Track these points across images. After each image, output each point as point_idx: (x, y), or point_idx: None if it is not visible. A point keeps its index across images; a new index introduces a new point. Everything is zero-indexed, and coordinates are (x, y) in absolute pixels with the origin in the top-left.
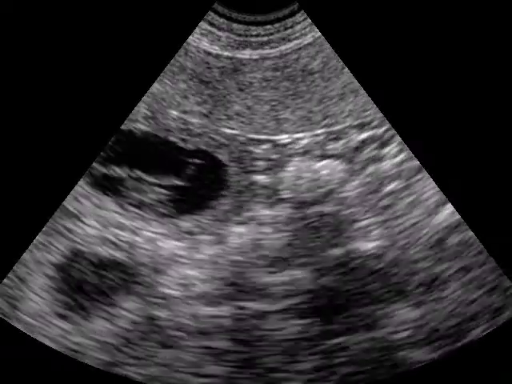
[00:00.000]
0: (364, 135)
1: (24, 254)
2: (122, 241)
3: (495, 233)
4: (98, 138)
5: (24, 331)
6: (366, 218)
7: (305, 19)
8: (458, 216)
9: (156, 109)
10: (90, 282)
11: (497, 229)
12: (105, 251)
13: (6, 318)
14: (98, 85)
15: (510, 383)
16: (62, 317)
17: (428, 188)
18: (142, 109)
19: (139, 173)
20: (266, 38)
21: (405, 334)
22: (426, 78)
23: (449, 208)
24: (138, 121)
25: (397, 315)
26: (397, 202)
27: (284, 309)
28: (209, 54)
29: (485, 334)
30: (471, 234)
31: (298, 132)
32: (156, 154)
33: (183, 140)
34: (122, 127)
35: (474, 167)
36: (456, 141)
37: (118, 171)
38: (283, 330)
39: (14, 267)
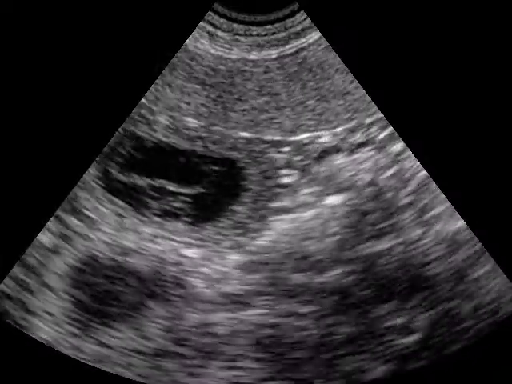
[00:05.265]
0: (388, 130)
1: (41, 261)
2: (144, 250)
3: (496, 233)
4: (97, 139)
5: (42, 341)
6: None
7: (305, 19)
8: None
9: (172, 117)
10: (110, 292)
11: (498, 229)
12: (125, 260)
13: (12, 322)
14: (97, 84)
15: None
16: (80, 329)
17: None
18: (159, 117)
19: (159, 181)
20: (266, 38)
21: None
22: (426, 77)
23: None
24: (155, 129)
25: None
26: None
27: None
28: (211, 55)
29: (485, 333)
30: (472, 234)
31: (317, 130)
32: (174, 162)
33: (201, 147)
34: (142, 136)
35: (474, 167)
36: (457, 140)
37: (138, 180)
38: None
39: (30, 275)
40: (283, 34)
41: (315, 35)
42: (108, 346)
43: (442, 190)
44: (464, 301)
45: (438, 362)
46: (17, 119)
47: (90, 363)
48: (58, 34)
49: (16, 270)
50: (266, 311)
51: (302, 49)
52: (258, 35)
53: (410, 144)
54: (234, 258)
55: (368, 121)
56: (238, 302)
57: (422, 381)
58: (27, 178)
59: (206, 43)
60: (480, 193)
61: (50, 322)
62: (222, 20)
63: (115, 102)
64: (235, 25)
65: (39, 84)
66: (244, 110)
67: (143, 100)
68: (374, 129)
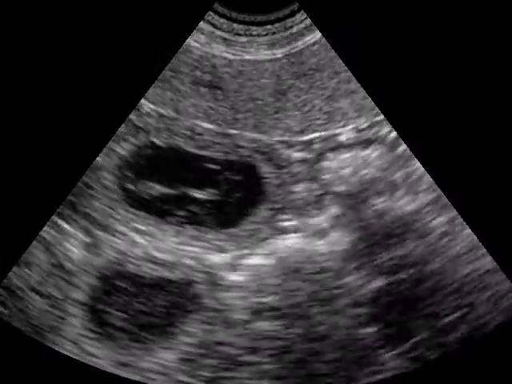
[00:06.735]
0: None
1: (66, 273)
2: (167, 258)
3: (496, 233)
4: (97, 138)
5: (68, 354)
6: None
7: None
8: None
9: (185, 122)
10: (135, 302)
11: (498, 229)
12: (150, 269)
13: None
14: (97, 84)
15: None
16: (107, 339)
17: None
18: (171, 124)
19: (178, 188)
20: (267, 38)
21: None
22: (426, 77)
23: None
24: (171, 137)
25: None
26: None
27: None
28: (213, 56)
29: (485, 333)
30: (473, 236)
31: (325, 130)
32: (191, 169)
33: (216, 151)
34: (159, 143)
35: (474, 167)
36: (456, 140)
37: (156, 188)
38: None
39: (55, 288)
40: (284, 34)
41: (317, 34)
42: (136, 357)
43: (441, 191)
44: (464, 301)
45: (438, 362)
46: (17, 118)
47: (112, 371)
48: (58, 33)
49: (35, 279)
50: (290, 318)
51: (304, 48)
52: (258, 35)
53: (409, 144)
54: (257, 262)
55: (375, 119)
56: (261, 308)
57: (422, 381)
58: (27, 176)
59: (206, 43)
60: (480, 193)
61: (74, 335)
62: (222, 20)
63: (115, 101)
64: (235, 25)
65: (39, 84)
66: (249, 111)
67: (159, 109)
68: (380, 128)
